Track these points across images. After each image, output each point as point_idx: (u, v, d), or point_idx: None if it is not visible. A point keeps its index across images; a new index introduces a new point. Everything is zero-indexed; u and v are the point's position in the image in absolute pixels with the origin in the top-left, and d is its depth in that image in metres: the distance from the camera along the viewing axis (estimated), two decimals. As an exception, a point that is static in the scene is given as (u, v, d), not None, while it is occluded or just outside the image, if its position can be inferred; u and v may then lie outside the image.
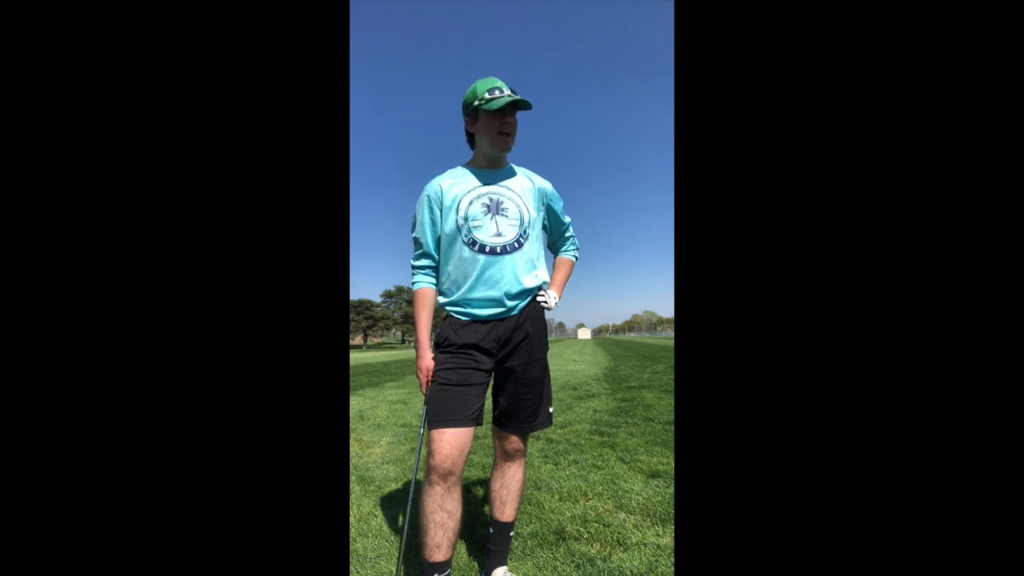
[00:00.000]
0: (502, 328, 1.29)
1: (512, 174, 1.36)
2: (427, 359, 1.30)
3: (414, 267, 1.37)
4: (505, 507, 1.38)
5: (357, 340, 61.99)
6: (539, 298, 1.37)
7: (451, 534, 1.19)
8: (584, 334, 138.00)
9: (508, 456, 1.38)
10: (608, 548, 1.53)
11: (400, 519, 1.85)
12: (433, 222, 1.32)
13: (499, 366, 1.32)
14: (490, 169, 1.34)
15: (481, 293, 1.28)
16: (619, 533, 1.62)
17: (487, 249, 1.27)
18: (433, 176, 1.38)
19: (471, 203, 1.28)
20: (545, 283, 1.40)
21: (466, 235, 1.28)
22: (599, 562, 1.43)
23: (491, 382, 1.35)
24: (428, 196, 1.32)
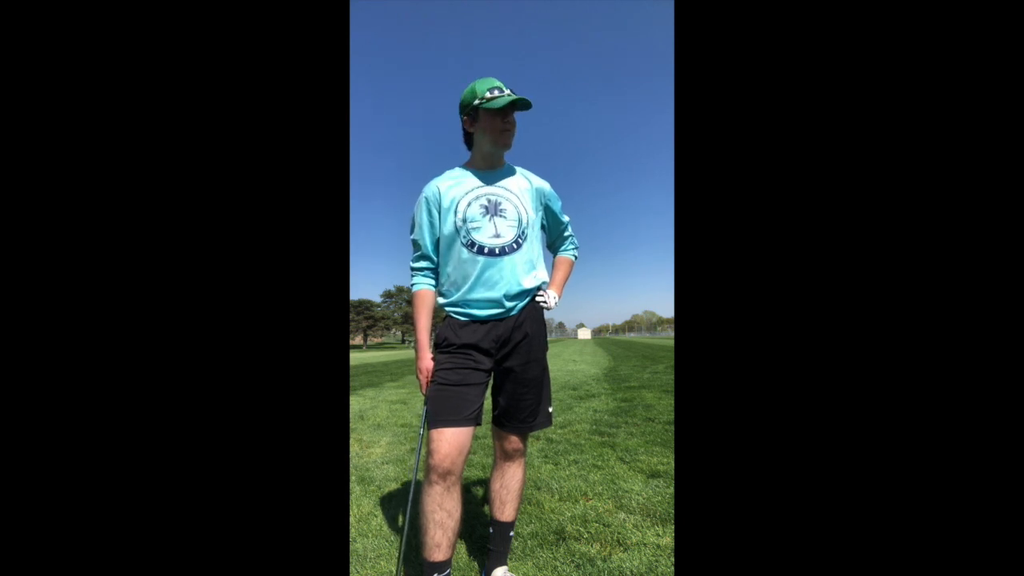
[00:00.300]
0: (501, 328, 1.29)
1: (510, 174, 1.36)
2: (426, 360, 1.31)
3: (413, 269, 1.37)
4: (505, 507, 1.38)
5: (357, 340, 62.00)
6: (538, 298, 1.37)
7: (451, 533, 1.19)
8: (584, 334, 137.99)
9: (508, 456, 1.38)
10: (608, 548, 1.53)
11: (400, 519, 1.85)
12: (431, 224, 1.32)
13: (498, 366, 1.33)
14: (488, 170, 1.35)
15: (480, 294, 1.28)
16: (619, 533, 1.62)
17: (486, 250, 1.27)
18: (433, 176, 1.38)
19: (469, 205, 1.29)
20: (544, 283, 1.40)
21: (465, 237, 1.28)
22: (599, 562, 1.43)
23: (490, 382, 1.35)
24: (426, 198, 1.32)
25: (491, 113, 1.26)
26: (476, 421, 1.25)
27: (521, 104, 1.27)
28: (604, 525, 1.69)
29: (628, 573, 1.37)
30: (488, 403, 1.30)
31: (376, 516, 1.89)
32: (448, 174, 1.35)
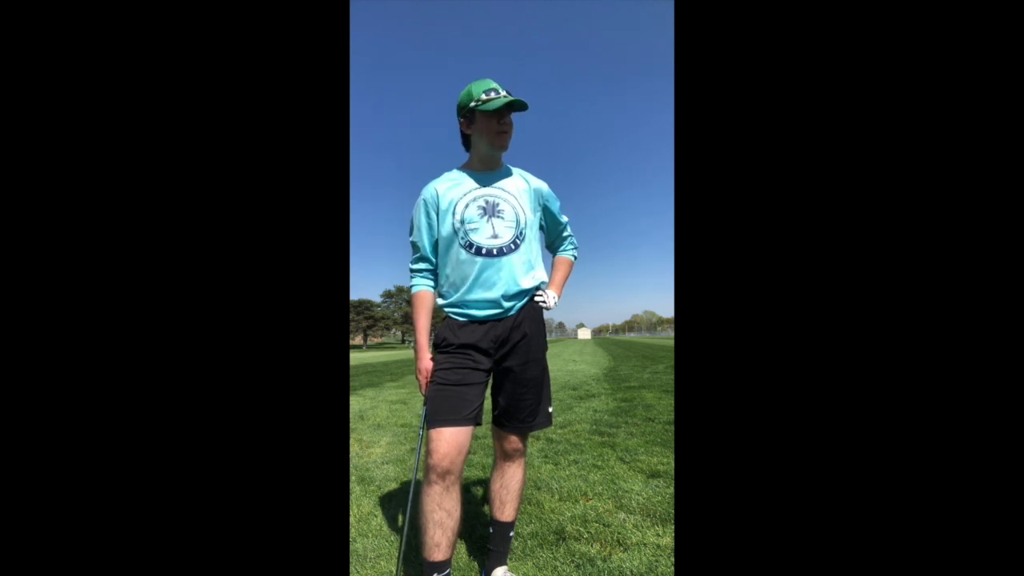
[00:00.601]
0: (500, 328, 1.30)
1: (508, 175, 1.37)
2: (426, 360, 1.31)
3: (412, 270, 1.38)
4: (505, 507, 1.38)
5: (357, 340, 61.99)
6: (537, 298, 1.38)
7: (450, 533, 1.19)
8: (584, 334, 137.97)
9: (508, 456, 1.38)
10: (608, 548, 1.53)
11: (400, 519, 1.85)
12: (430, 226, 1.33)
13: (497, 366, 1.33)
14: (486, 171, 1.35)
15: (479, 295, 1.28)
16: (619, 533, 1.62)
17: (484, 251, 1.28)
18: (433, 176, 1.38)
19: (467, 206, 1.29)
20: (543, 283, 1.40)
21: (463, 238, 1.28)
22: (599, 562, 1.43)
23: (490, 382, 1.35)
24: (424, 200, 1.33)
25: (487, 115, 1.27)
26: (475, 421, 1.25)
27: (517, 105, 1.27)
28: (604, 525, 1.69)
29: (628, 573, 1.37)
30: (488, 403, 1.31)
31: (376, 516, 1.89)
32: (446, 176, 1.36)
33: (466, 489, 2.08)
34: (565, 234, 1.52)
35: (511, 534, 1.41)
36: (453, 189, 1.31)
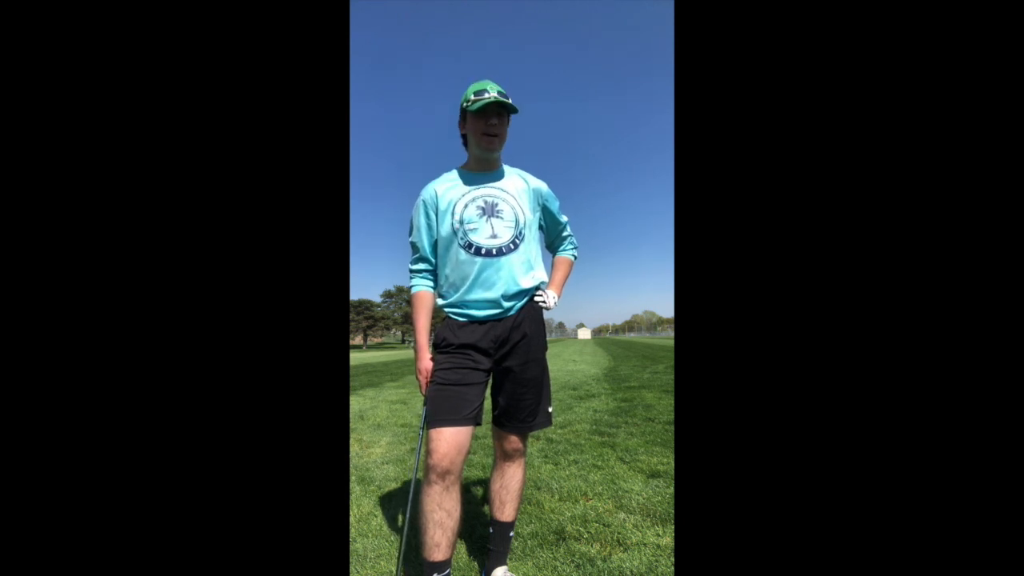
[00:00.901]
0: (499, 328, 1.30)
1: (507, 176, 1.37)
2: (426, 360, 1.31)
3: (412, 271, 1.38)
4: (505, 507, 1.38)
5: (357, 340, 61.98)
6: (537, 298, 1.38)
7: (450, 533, 1.19)
8: (584, 334, 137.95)
9: (508, 456, 1.38)
10: (608, 548, 1.53)
11: (400, 519, 1.85)
12: (429, 226, 1.33)
13: (497, 366, 1.33)
14: (484, 171, 1.35)
15: (478, 295, 1.28)
16: (619, 533, 1.62)
17: (483, 251, 1.28)
18: (433, 177, 1.38)
19: (466, 206, 1.29)
20: (543, 283, 1.40)
21: (462, 238, 1.28)
22: (599, 562, 1.43)
23: (490, 382, 1.35)
24: (424, 201, 1.33)
25: (475, 116, 1.27)
26: (475, 421, 1.25)
27: (499, 106, 1.26)
28: (604, 525, 1.69)
29: (628, 573, 1.37)
30: (488, 403, 1.31)
31: (376, 516, 1.89)
32: (445, 176, 1.36)
33: (466, 489, 2.08)
34: (565, 234, 1.52)
35: (511, 534, 1.41)
36: (452, 189, 1.32)
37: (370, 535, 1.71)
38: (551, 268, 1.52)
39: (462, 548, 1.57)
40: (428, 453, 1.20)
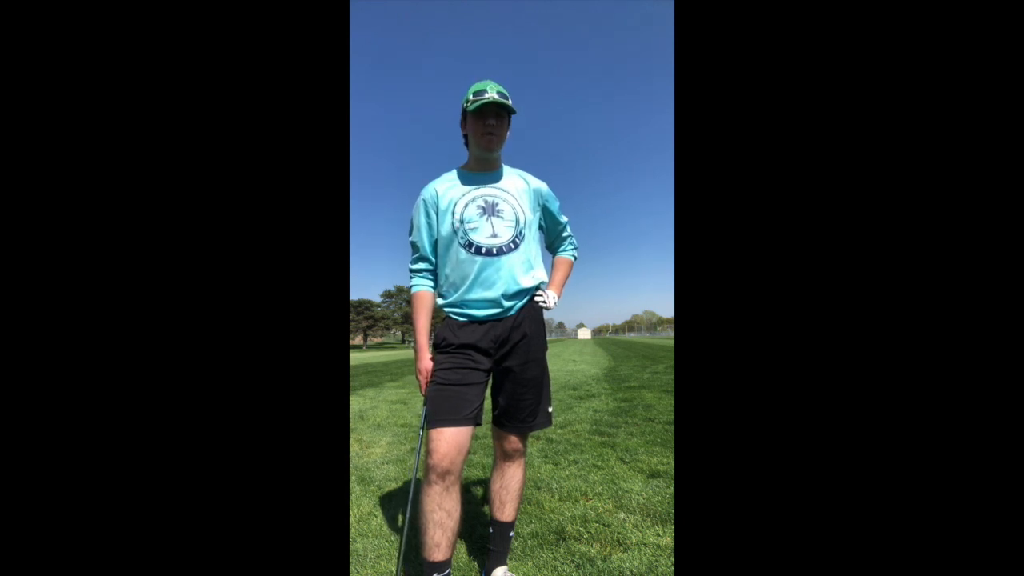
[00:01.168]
0: (500, 328, 1.30)
1: (507, 176, 1.37)
2: (426, 360, 1.31)
3: (412, 270, 1.38)
4: (505, 507, 1.38)
5: (357, 340, 61.97)
6: (537, 298, 1.38)
7: (450, 533, 1.19)
8: (584, 334, 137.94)
9: (508, 456, 1.38)
10: (608, 548, 1.53)
11: (400, 519, 1.85)
12: (429, 226, 1.33)
13: (497, 366, 1.33)
14: (484, 171, 1.35)
15: (478, 294, 1.28)
16: (619, 533, 1.62)
17: (483, 251, 1.28)
18: (433, 177, 1.39)
19: (466, 206, 1.29)
20: (543, 283, 1.40)
21: (462, 237, 1.28)
22: (599, 562, 1.43)
23: (490, 382, 1.35)
24: (424, 200, 1.33)
25: (474, 116, 1.28)
26: (475, 421, 1.25)
27: (498, 106, 1.26)
28: (604, 525, 1.69)
29: (628, 573, 1.37)
30: (488, 403, 1.31)
31: (376, 516, 1.89)
32: (445, 176, 1.36)
33: (466, 489, 2.08)
34: (565, 234, 1.52)
35: (511, 534, 1.41)
36: (452, 189, 1.32)
37: (370, 535, 1.71)
38: (551, 269, 1.52)
39: (462, 548, 1.57)
40: (428, 453, 1.20)
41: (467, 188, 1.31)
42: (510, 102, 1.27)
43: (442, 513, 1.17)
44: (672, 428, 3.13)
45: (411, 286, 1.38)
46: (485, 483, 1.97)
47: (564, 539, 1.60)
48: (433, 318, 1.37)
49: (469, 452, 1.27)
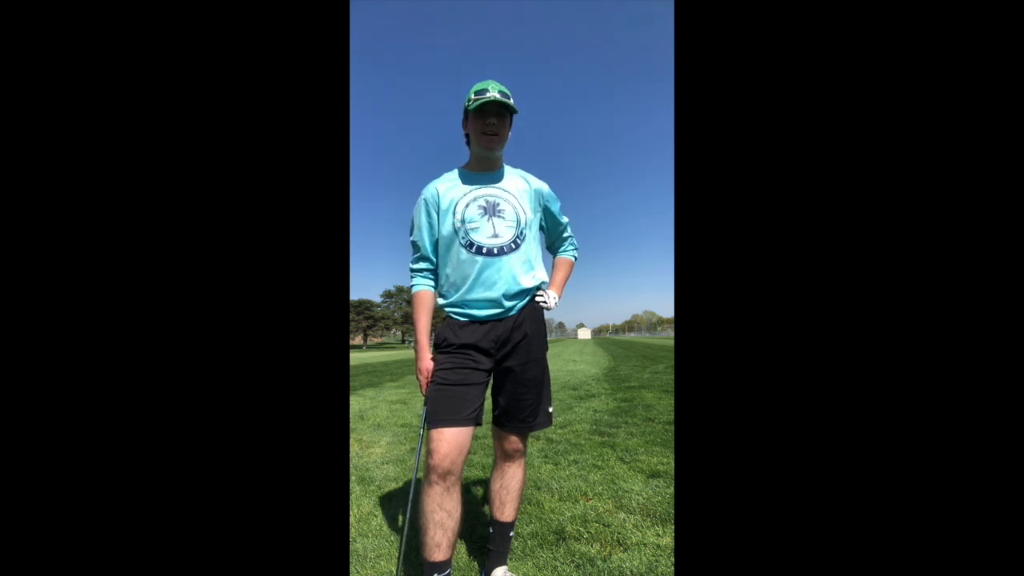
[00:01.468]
0: (500, 328, 1.30)
1: (508, 176, 1.37)
2: (426, 360, 1.31)
3: (412, 270, 1.38)
4: (505, 507, 1.38)
5: (357, 340, 61.96)
6: (538, 298, 1.38)
7: (451, 534, 1.19)
8: (584, 334, 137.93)
9: (508, 456, 1.38)
10: (608, 548, 1.53)
11: (400, 519, 1.85)
12: (430, 225, 1.33)
13: (498, 366, 1.33)
14: (485, 171, 1.35)
15: (479, 294, 1.28)
16: (619, 533, 1.62)
17: (484, 251, 1.28)
18: (433, 177, 1.38)
19: (467, 206, 1.29)
20: (544, 283, 1.40)
21: (463, 237, 1.28)
22: (599, 562, 1.43)
23: (490, 382, 1.35)
24: (425, 200, 1.33)
25: (474, 115, 1.27)
26: (476, 421, 1.25)
27: (499, 106, 1.26)
28: (604, 525, 1.69)
29: (628, 573, 1.37)
30: (488, 403, 1.30)
31: (376, 516, 1.89)
32: (446, 176, 1.36)
33: (466, 489, 2.08)
34: (565, 235, 1.52)
35: (511, 534, 1.41)
36: (453, 189, 1.32)
37: (370, 535, 1.71)
38: (551, 269, 1.52)
39: (462, 548, 1.57)
40: (429, 454, 1.20)
41: (468, 188, 1.31)
42: (512, 101, 1.27)
43: (443, 513, 1.17)
44: (672, 428, 3.13)
45: (411, 286, 1.38)
46: (485, 483, 1.97)
47: (564, 539, 1.60)
48: (434, 318, 1.37)
49: (469, 452, 1.27)
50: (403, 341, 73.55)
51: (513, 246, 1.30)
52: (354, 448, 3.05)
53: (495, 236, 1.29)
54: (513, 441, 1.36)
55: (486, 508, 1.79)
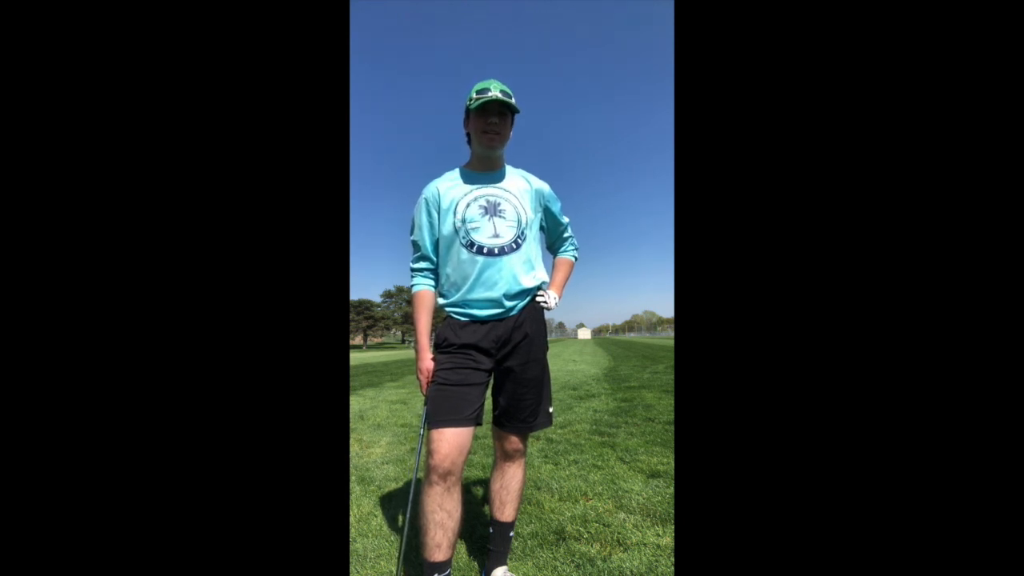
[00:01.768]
0: (501, 328, 1.30)
1: (509, 176, 1.37)
2: (427, 360, 1.31)
3: (413, 270, 1.38)
4: (505, 507, 1.38)
5: (357, 340, 61.96)
6: (538, 298, 1.38)
7: (451, 534, 1.19)
8: (584, 334, 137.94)
9: (508, 456, 1.38)
10: (608, 548, 1.53)
11: (400, 519, 1.85)
12: (431, 225, 1.33)
13: (498, 366, 1.33)
14: (486, 171, 1.35)
15: (480, 294, 1.28)
16: (619, 533, 1.62)
17: (485, 251, 1.28)
18: (433, 176, 1.38)
19: (468, 205, 1.29)
20: (544, 283, 1.40)
21: (464, 237, 1.28)
22: (599, 562, 1.43)
23: (491, 382, 1.35)
24: (426, 199, 1.33)
25: (476, 114, 1.27)
26: (476, 421, 1.25)
27: (501, 105, 1.26)
28: (604, 525, 1.69)
29: (628, 573, 1.37)
30: (488, 403, 1.30)
31: (376, 516, 1.89)
32: (447, 175, 1.36)
33: (466, 489, 2.07)
34: (566, 235, 1.52)
35: (511, 534, 1.41)
36: (454, 188, 1.31)
37: (370, 535, 1.71)
38: (551, 269, 1.52)
39: (462, 548, 1.57)
40: (429, 454, 1.20)
41: (469, 188, 1.31)
42: (513, 101, 1.27)
43: (443, 514, 1.17)
44: (672, 428, 3.13)
45: (412, 285, 1.38)
46: (485, 483, 1.97)
47: (564, 539, 1.60)
48: (434, 318, 1.37)
49: (470, 452, 1.27)
50: (403, 341, 73.56)
51: (514, 246, 1.30)
52: (354, 448, 3.05)
53: (496, 236, 1.29)
54: (513, 441, 1.36)
55: (486, 508, 1.79)
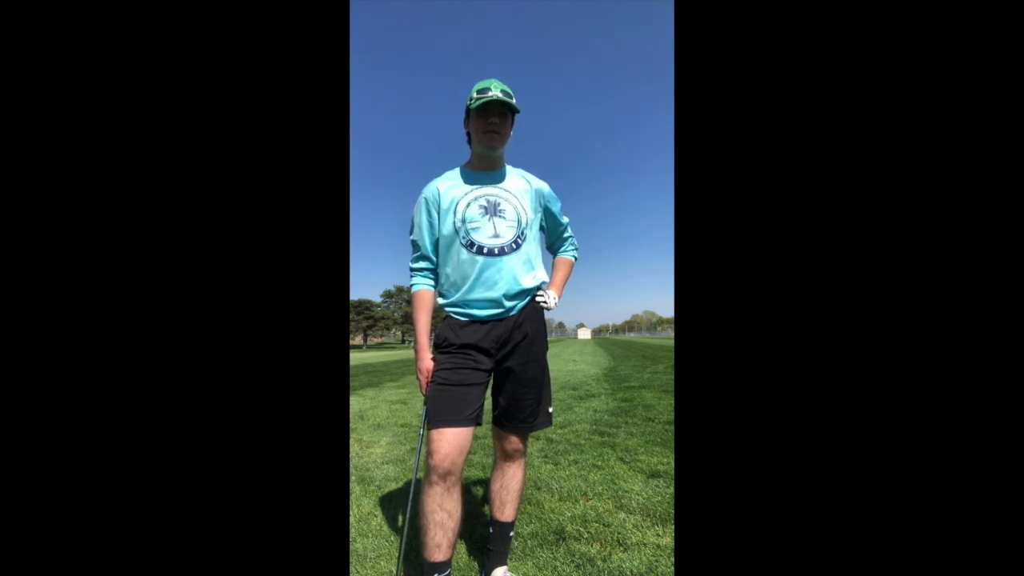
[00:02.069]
0: (501, 328, 1.30)
1: (509, 175, 1.37)
2: (426, 360, 1.31)
3: (412, 270, 1.37)
4: (505, 507, 1.38)
5: (357, 340, 61.95)
6: (538, 298, 1.38)
7: (451, 534, 1.19)
8: (584, 334, 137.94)
9: (508, 456, 1.38)
10: (608, 548, 1.53)
11: (400, 519, 1.85)
12: (431, 225, 1.33)
13: (498, 366, 1.33)
14: (486, 171, 1.35)
15: (480, 294, 1.28)
16: (619, 533, 1.62)
17: (485, 250, 1.28)
18: (433, 176, 1.38)
19: (468, 205, 1.29)
20: (544, 283, 1.40)
21: (464, 237, 1.28)
22: (599, 562, 1.43)
23: (491, 382, 1.35)
24: (426, 199, 1.33)
25: (476, 113, 1.27)
26: (476, 421, 1.25)
27: (501, 105, 1.26)
28: (604, 525, 1.69)
29: (628, 573, 1.37)
30: (488, 403, 1.30)
31: (376, 516, 1.89)
32: (447, 175, 1.36)
33: (466, 489, 2.07)
34: (566, 235, 1.52)
35: (511, 534, 1.41)
36: (454, 188, 1.31)
37: (370, 535, 1.71)
38: (551, 269, 1.52)
39: (462, 548, 1.57)
40: (429, 454, 1.20)
41: (469, 187, 1.31)
42: (514, 101, 1.27)
43: (443, 514, 1.17)
44: (672, 428, 3.13)
45: (411, 285, 1.38)
46: (485, 483, 1.97)
47: (564, 539, 1.60)
48: (434, 318, 1.37)
49: (470, 452, 1.27)
50: (403, 341, 73.55)
51: (514, 246, 1.30)
52: (354, 448, 3.05)
53: (496, 236, 1.29)
54: (513, 441, 1.36)
55: (486, 508, 1.79)
